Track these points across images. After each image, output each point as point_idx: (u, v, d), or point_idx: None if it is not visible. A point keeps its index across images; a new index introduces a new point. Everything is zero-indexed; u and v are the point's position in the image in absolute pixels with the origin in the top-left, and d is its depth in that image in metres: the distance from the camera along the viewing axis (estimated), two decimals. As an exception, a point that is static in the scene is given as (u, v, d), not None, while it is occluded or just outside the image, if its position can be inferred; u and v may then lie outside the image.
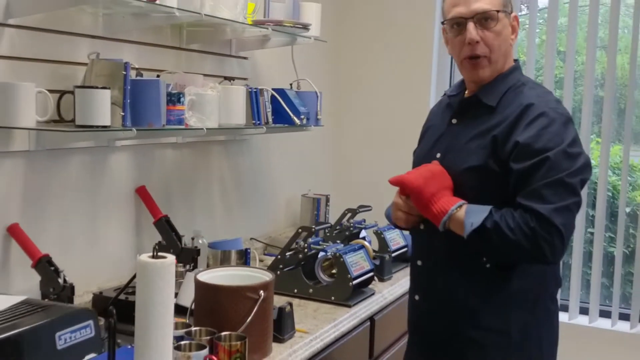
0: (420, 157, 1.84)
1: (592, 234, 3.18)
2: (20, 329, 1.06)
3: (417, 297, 1.84)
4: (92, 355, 1.16)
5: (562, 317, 3.16)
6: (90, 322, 1.16)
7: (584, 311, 3.18)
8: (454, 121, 1.78)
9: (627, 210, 3.16)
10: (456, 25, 1.70)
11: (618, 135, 3.27)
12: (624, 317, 3.11)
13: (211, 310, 1.67)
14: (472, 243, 1.62)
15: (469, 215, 1.62)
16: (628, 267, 3.22)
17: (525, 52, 3.24)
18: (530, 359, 1.74)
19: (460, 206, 1.65)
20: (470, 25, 1.67)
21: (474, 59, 1.69)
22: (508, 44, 1.73)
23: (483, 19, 1.67)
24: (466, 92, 1.81)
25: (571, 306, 3.16)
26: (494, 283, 1.70)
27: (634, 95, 3.04)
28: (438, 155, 1.77)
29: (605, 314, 3.16)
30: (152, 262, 1.36)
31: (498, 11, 1.67)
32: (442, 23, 1.75)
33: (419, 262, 1.83)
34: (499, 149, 1.63)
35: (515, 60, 1.78)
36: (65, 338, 1.10)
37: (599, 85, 3.20)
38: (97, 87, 1.69)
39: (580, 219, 3.10)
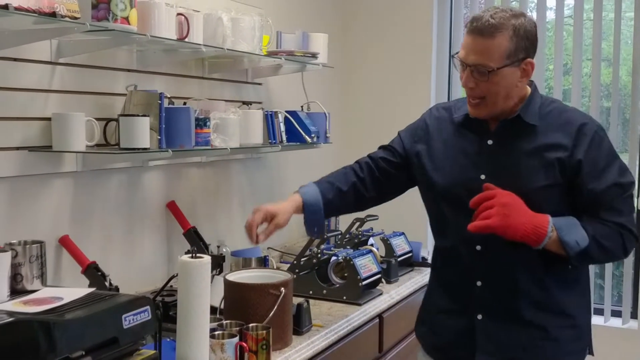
0: (461, 181, 1.82)
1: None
2: (97, 310, 1.32)
3: (479, 317, 1.82)
4: (150, 333, 1.42)
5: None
6: (148, 307, 1.42)
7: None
8: (489, 142, 1.80)
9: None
10: (460, 64, 1.76)
11: (624, 144, 3.45)
12: (616, 314, 3.34)
13: (239, 305, 1.92)
14: (575, 258, 1.71)
15: (566, 233, 1.69)
16: (619, 268, 3.45)
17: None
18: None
19: (552, 225, 1.69)
20: (468, 72, 1.73)
21: (473, 100, 1.76)
22: (510, 90, 1.74)
23: (479, 71, 1.70)
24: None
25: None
26: (565, 281, 1.80)
27: (638, 105, 3.23)
28: (483, 177, 1.78)
29: (598, 312, 3.38)
30: (192, 261, 1.61)
31: (498, 68, 1.68)
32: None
33: (479, 283, 1.82)
34: (566, 167, 1.72)
35: (530, 81, 1.82)
36: (129, 319, 1.36)
37: (604, 96, 3.42)
38: (137, 115, 1.96)
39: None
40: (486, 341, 1.82)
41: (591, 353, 1.90)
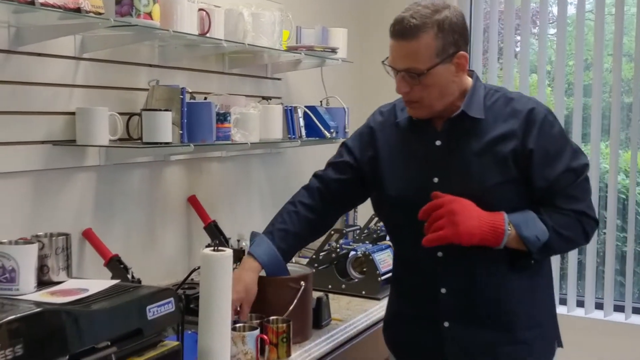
0: (413, 187, 1.76)
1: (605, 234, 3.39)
2: (122, 302, 1.34)
3: (446, 324, 1.76)
4: (173, 325, 1.44)
5: (579, 311, 3.38)
6: (172, 299, 1.43)
7: (598, 306, 3.39)
8: (437, 143, 1.74)
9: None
10: (391, 69, 1.71)
11: None
12: (637, 311, 3.32)
13: (259, 298, 1.93)
14: (537, 253, 1.67)
15: (525, 228, 1.64)
16: (640, 265, 3.42)
17: (554, 62, 3.41)
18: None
19: (508, 222, 1.64)
20: (399, 78, 1.68)
21: (409, 103, 1.72)
22: (446, 87, 1.68)
23: (410, 75, 1.66)
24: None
25: (587, 301, 3.37)
26: (527, 280, 1.76)
27: None
28: (435, 180, 1.72)
29: (619, 309, 3.36)
30: (214, 254, 1.63)
31: (428, 69, 1.63)
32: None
33: (443, 290, 1.76)
34: (519, 157, 1.67)
35: (471, 71, 1.77)
36: (153, 311, 1.38)
37: (625, 91, 3.38)
38: (160, 110, 1.98)
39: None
40: (455, 348, 1.77)
41: (560, 345, 1.86)
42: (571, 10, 3.45)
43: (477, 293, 1.73)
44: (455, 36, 1.65)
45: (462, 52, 1.67)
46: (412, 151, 1.78)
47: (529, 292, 1.76)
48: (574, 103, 3.34)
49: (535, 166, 1.67)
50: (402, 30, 1.64)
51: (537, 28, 3.60)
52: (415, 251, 1.75)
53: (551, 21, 3.66)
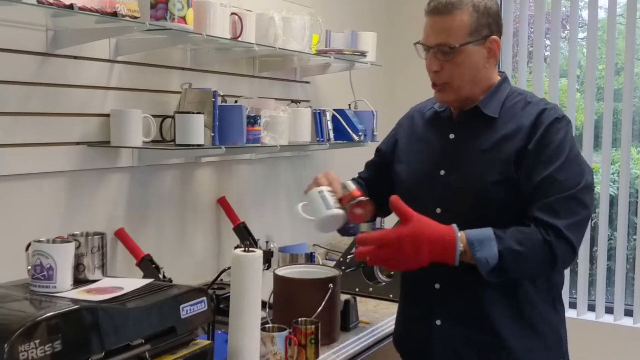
0: (421, 175, 1.76)
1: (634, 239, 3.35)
2: (156, 300, 1.37)
3: (438, 322, 1.73)
4: (205, 323, 1.47)
5: (589, 315, 3.35)
6: (204, 298, 1.46)
7: (609, 310, 3.35)
8: (451, 136, 1.74)
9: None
10: (423, 50, 1.70)
11: None
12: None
13: (287, 300, 1.96)
14: (488, 275, 1.56)
15: (478, 249, 1.54)
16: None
17: (585, 67, 3.36)
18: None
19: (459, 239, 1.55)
20: (431, 55, 1.67)
21: (437, 85, 1.70)
22: (477, 71, 1.67)
23: (442, 51, 1.65)
24: (438, 107, 1.81)
25: (616, 308, 3.33)
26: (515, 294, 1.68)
27: None
28: (442, 172, 1.71)
29: (628, 313, 3.33)
30: (245, 255, 1.65)
31: (460, 45, 1.62)
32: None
33: (437, 285, 1.72)
34: (520, 159, 1.61)
35: (501, 72, 1.76)
36: (187, 309, 1.41)
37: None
38: (193, 112, 2.01)
39: (623, 226, 3.28)
40: (443, 348, 1.72)
41: None
42: (602, 14, 3.42)
43: (472, 290, 1.66)
44: (489, 19, 1.66)
45: (494, 37, 1.67)
46: (430, 141, 1.79)
47: (534, 298, 1.68)
48: (604, 108, 3.31)
49: (525, 167, 1.60)
50: (437, 7, 1.65)
51: (567, 32, 3.58)
52: None
53: (581, 25, 3.63)
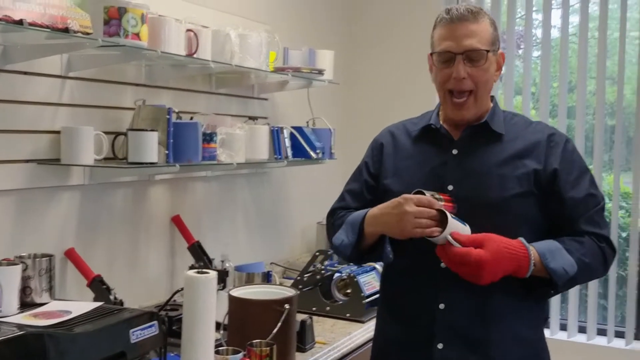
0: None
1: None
2: (104, 325, 1.33)
3: (440, 346, 1.69)
4: (156, 348, 1.43)
5: (562, 335, 3.39)
6: (155, 322, 1.43)
7: (582, 330, 3.39)
8: (454, 152, 1.74)
9: (624, 235, 3.40)
10: (443, 60, 1.69)
11: (628, 163, 3.40)
12: (620, 334, 3.34)
13: (242, 321, 1.92)
14: (562, 286, 1.63)
15: (551, 259, 1.60)
16: (622, 289, 3.44)
17: (539, 84, 3.45)
18: None
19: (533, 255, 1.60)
20: (459, 62, 1.66)
21: (459, 98, 1.69)
22: (492, 82, 1.73)
23: (471, 58, 1.66)
24: (440, 123, 1.79)
25: (569, 325, 3.38)
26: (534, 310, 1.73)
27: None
28: (450, 187, 1.70)
29: (602, 332, 3.37)
30: (198, 277, 1.62)
31: (487, 50, 1.67)
32: (431, 54, 1.75)
33: (442, 306, 1.69)
34: (541, 178, 1.67)
35: (491, 96, 1.80)
36: (137, 334, 1.37)
37: (608, 114, 3.43)
38: (146, 130, 1.98)
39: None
40: None
41: None
42: (555, 33, 3.50)
43: (482, 312, 1.66)
44: (498, 34, 1.72)
45: (502, 52, 1.75)
46: (426, 160, 1.77)
47: (534, 320, 1.74)
48: (558, 124, 3.37)
49: (562, 184, 1.67)
50: (462, 14, 1.67)
51: (521, 50, 3.65)
52: (414, 261, 1.72)
53: (535, 44, 3.71)
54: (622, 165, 3.34)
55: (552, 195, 1.68)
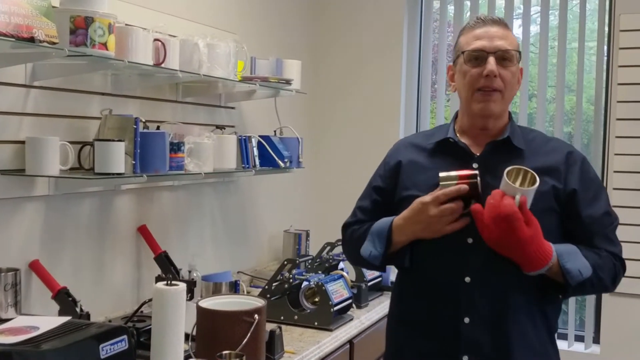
0: None
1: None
2: (72, 341, 1.31)
3: (465, 358, 1.68)
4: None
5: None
6: (125, 336, 1.41)
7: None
8: (475, 165, 1.72)
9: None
10: (475, 58, 1.70)
11: None
12: (579, 338, 3.42)
13: (211, 332, 1.90)
14: (573, 289, 1.63)
15: (567, 260, 1.62)
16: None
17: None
18: None
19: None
20: (491, 59, 1.68)
21: (489, 92, 1.69)
22: (515, 91, 1.76)
23: (502, 57, 1.69)
24: (454, 137, 1.78)
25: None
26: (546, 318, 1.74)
27: (599, 132, 3.34)
28: (472, 200, 1.65)
29: (562, 336, 3.44)
30: (167, 289, 1.61)
31: (518, 52, 1.73)
32: (458, 55, 1.75)
33: (467, 320, 1.68)
34: (560, 195, 1.69)
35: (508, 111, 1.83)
36: (107, 349, 1.35)
37: (566, 121, 3.51)
38: (113, 140, 1.96)
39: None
40: None
41: None
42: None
43: (505, 325, 1.67)
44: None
45: (521, 67, 1.78)
46: (440, 171, 1.70)
47: (551, 335, 1.76)
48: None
49: (580, 202, 1.70)
50: (494, 19, 1.75)
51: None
52: (437, 274, 1.72)
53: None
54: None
55: (570, 213, 1.71)
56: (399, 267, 1.85)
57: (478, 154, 1.75)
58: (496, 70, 1.68)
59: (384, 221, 1.79)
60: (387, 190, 1.85)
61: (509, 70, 1.70)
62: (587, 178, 1.74)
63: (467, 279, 1.68)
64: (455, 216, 1.64)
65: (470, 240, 1.68)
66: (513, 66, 1.71)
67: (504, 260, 1.62)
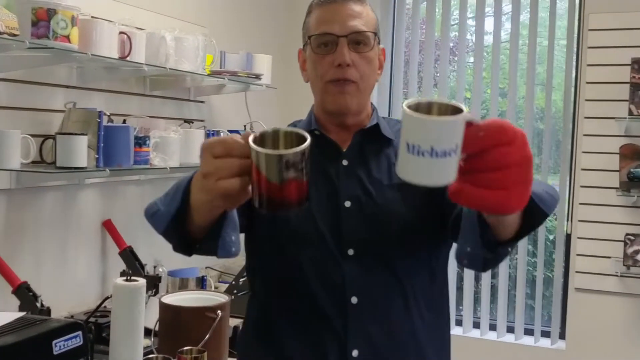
0: (320, 208, 1.37)
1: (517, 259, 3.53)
2: (25, 337, 1.30)
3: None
4: (82, 359, 1.40)
5: (492, 335, 3.49)
6: (80, 332, 1.40)
7: (510, 329, 3.50)
8: (344, 162, 1.42)
9: (551, 237, 3.52)
10: (324, 44, 1.39)
11: (556, 165, 3.54)
12: (546, 334, 3.46)
13: (173, 328, 1.90)
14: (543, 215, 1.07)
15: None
16: (549, 289, 3.57)
17: (472, 90, 3.54)
18: None
19: None
20: (343, 45, 1.37)
21: (342, 82, 1.38)
22: (375, 79, 1.45)
23: (356, 41, 1.38)
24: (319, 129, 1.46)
25: (499, 325, 3.48)
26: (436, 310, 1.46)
27: (569, 129, 3.36)
28: (348, 204, 1.38)
29: (529, 332, 3.49)
30: (126, 285, 1.60)
31: (374, 34, 1.41)
32: (307, 40, 1.43)
33: (355, 353, 1.34)
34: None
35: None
36: (60, 345, 1.34)
37: (538, 118, 3.55)
38: (76, 134, 1.94)
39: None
40: None
41: None
42: (488, 40, 3.60)
43: (397, 344, 1.38)
44: (379, 28, 1.45)
45: (383, 47, 1.48)
46: (324, 171, 1.42)
47: (439, 330, 1.48)
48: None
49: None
50: None
51: (456, 57, 3.74)
52: (313, 298, 1.36)
53: (469, 50, 3.80)
54: (550, 168, 3.46)
55: (444, 195, 1.22)
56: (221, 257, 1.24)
57: (345, 149, 1.44)
58: (349, 59, 1.36)
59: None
60: None
61: (365, 57, 1.39)
62: None
63: (354, 300, 1.36)
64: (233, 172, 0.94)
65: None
66: (370, 51, 1.40)
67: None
